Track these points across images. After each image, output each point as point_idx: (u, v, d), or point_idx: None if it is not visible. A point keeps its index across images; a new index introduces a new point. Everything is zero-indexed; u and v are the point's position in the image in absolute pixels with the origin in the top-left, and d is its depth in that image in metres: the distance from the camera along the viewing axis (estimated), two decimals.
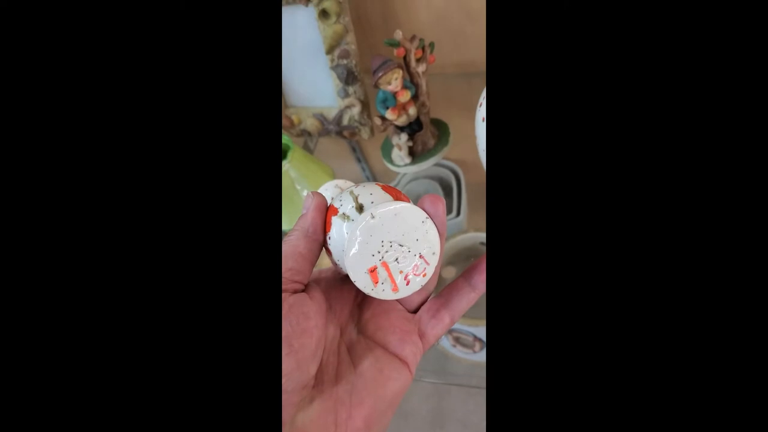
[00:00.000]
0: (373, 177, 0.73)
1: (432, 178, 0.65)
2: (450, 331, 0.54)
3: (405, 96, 0.56)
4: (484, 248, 0.56)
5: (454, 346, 0.55)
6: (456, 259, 0.56)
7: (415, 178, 0.65)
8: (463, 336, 0.54)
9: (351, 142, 0.76)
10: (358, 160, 0.76)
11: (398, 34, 0.53)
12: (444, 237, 0.27)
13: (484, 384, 0.49)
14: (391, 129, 0.60)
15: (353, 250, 0.25)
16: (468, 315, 0.55)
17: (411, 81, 0.57)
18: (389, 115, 0.57)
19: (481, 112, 0.49)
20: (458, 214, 0.58)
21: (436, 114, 0.63)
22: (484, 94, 0.50)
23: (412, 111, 0.58)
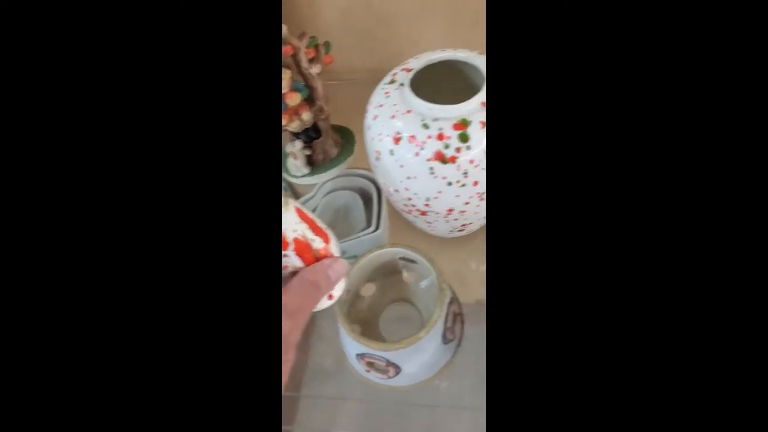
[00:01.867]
0: (290, 187, 0.68)
1: (352, 189, 0.61)
2: (362, 356, 0.50)
3: (293, 99, 0.51)
4: (404, 263, 0.52)
5: (368, 371, 0.51)
6: (375, 275, 0.52)
7: (334, 190, 0.60)
8: (376, 361, 0.50)
9: None
10: None
11: (283, 30, 0.48)
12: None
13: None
14: (286, 135, 0.55)
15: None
16: (381, 339, 0.50)
17: (306, 83, 0.52)
18: None
19: (369, 117, 0.45)
20: (377, 228, 0.54)
21: (342, 121, 0.59)
22: (372, 98, 0.46)
23: (306, 116, 0.53)
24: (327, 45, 0.52)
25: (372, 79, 0.72)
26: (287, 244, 0.33)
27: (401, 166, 0.41)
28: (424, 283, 0.53)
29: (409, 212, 0.47)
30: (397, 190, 0.44)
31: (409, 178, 0.41)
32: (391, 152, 0.41)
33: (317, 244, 0.35)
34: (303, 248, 0.34)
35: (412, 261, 0.50)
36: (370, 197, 0.59)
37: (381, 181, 0.45)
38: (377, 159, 0.44)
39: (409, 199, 0.44)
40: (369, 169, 0.60)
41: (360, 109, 0.63)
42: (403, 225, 0.54)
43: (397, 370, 0.48)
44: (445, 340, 0.48)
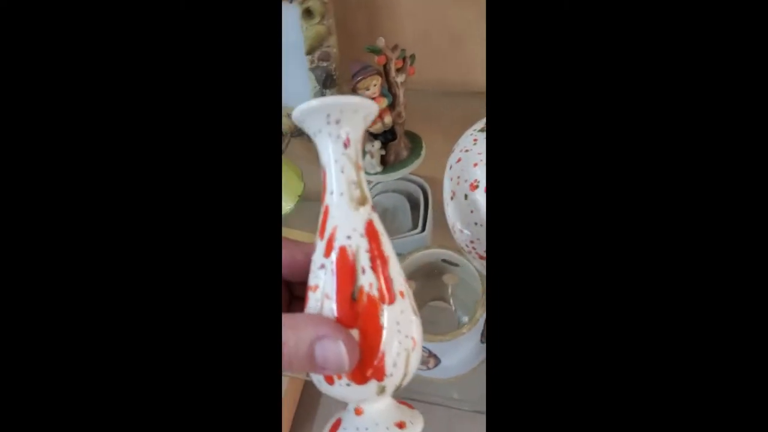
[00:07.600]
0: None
1: (400, 192, 0.62)
2: None
3: (382, 103, 0.57)
4: (445, 265, 0.52)
5: None
6: (417, 275, 0.52)
7: (384, 191, 0.63)
8: None
9: None
10: None
11: (381, 42, 0.52)
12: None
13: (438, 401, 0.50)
14: (366, 135, 0.61)
15: None
16: (427, 330, 0.43)
17: (389, 90, 0.58)
18: None
19: (452, 158, 0.46)
20: (423, 229, 0.56)
21: (412, 127, 0.61)
22: (460, 140, 0.46)
23: (388, 120, 0.59)
24: (412, 57, 0.56)
25: (442, 91, 0.75)
26: (331, 249, 0.23)
27: (471, 212, 0.42)
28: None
29: (469, 252, 0.46)
30: (462, 231, 0.45)
31: (476, 223, 0.42)
32: (466, 197, 0.42)
33: (367, 278, 0.23)
34: (345, 266, 0.23)
35: (455, 264, 0.50)
36: (417, 202, 0.59)
37: (450, 219, 0.46)
38: (452, 198, 0.45)
39: (472, 242, 0.44)
40: (428, 176, 0.61)
41: (430, 118, 0.67)
42: (446, 234, 0.49)
43: (437, 361, 0.49)
44: (483, 339, 0.49)
